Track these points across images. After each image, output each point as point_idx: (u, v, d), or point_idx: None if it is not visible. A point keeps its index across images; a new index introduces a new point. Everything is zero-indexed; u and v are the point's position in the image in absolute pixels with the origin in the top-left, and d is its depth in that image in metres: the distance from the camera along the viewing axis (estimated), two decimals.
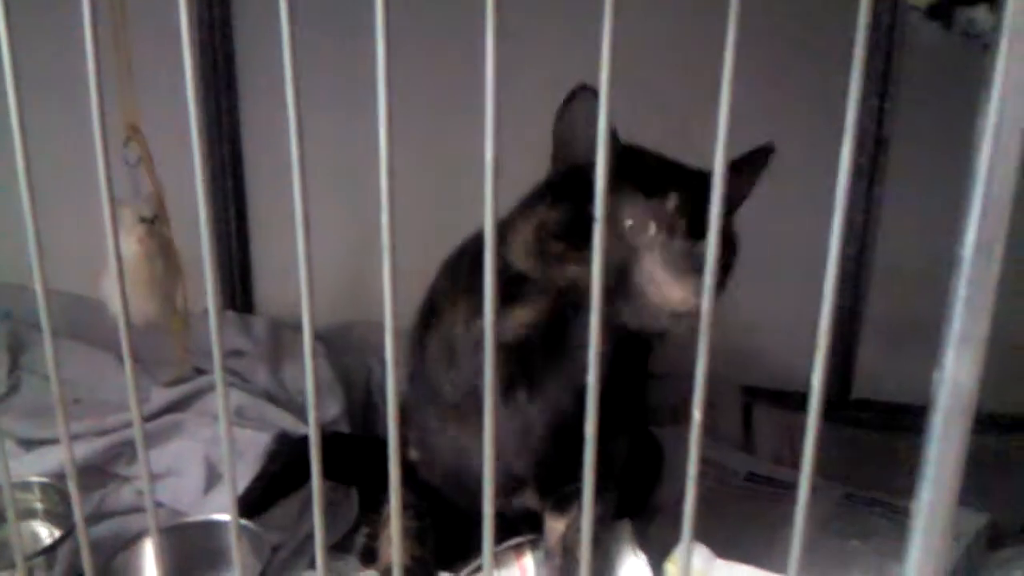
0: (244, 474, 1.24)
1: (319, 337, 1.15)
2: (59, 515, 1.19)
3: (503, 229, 0.91)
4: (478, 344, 0.92)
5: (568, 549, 1.03)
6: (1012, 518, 1.20)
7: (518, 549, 1.09)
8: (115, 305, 1.28)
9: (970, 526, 1.12)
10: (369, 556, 1.16)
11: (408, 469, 1.04)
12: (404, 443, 1.05)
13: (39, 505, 1.21)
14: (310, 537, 1.16)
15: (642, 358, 1.05)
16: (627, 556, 1.04)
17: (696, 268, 0.85)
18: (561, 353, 0.94)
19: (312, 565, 1.14)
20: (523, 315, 0.93)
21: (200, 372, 1.52)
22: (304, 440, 0.66)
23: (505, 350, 0.91)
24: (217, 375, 0.68)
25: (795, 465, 0.60)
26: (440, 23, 1.45)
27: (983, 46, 0.52)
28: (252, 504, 1.18)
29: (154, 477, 1.25)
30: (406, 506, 1.06)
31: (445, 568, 1.07)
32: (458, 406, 1.01)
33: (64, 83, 1.16)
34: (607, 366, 0.61)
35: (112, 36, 1.23)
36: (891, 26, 1.36)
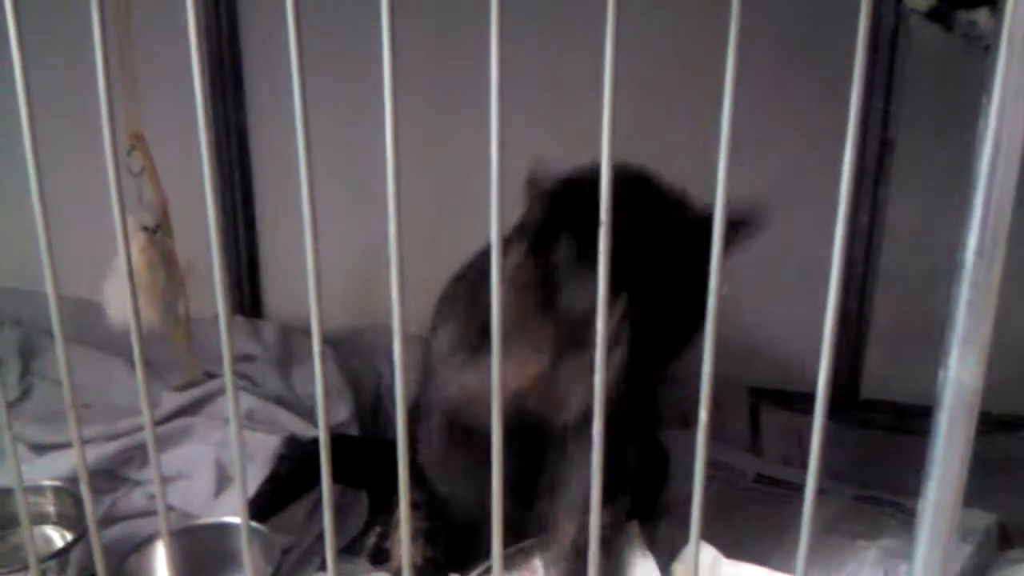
0: (254, 477, 1.25)
1: (328, 341, 1.15)
2: (71, 519, 1.20)
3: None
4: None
5: (579, 552, 1.04)
6: (1022, 519, 1.20)
7: (527, 551, 1.09)
8: (115, 310, 1.30)
9: (979, 526, 1.12)
10: (380, 557, 1.17)
11: (418, 470, 1.05)
12: (414, 445, 1.05)
13: (51, 509, 1.22)
14: (320, 539, 1.17)
15: (653, 368, 1.05)
16: (635, 558, 1.04)
17: None
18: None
19: (322, 567, 1.15)
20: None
21: (210, 376, 1.53)
22: (314, 443, 0.66)
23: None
24: (227, 379, 0.69)
25: (803, 466, 0.60)
26: (444, 28, 1.45)
27: (984, 48, 0.52)
28: (263, 507, 1.19)
29: (165, 480, 1.26)
30: (416, 506, 1.07)
31: (457, 569, 1.07)
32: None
33: (69, 92, 1.17)
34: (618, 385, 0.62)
35: (117, 45, 1.24)
36: (895, 28, 1.36)
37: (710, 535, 1.05)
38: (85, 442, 0.77)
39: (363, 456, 1.31)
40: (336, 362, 1.53)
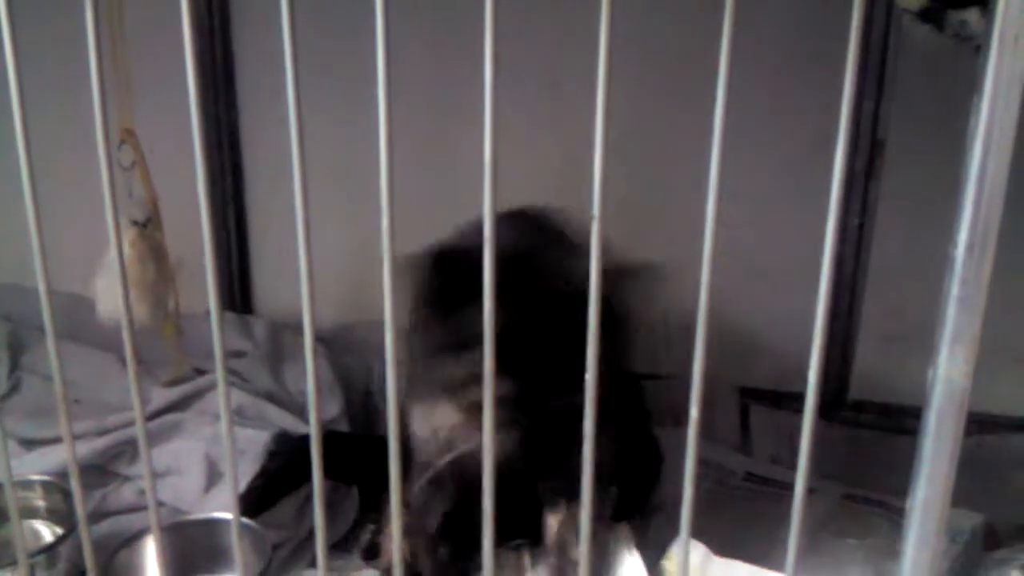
0: (245, 473, 1.25)
1: (319, 338, 1.15)
2: (60, 513, 1.20)
3: None
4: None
5: (562, 546, 1.04)
6: (1009, 518, 1.20)
7: (518, 548, 1.10)
8: (105, 305, 1.30)
9: (966, 526, 1.13)
10: (372, 552, 1.17)
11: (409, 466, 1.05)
12: (405, 441, 1.05)
13: (40, 504, 1.22)
14: (310, 535, 1.17)
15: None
16: (623, 554, 1.04)
17: None
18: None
19: (312, 563, 1.15)
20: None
21: (199, 372, 1.53)
22: (304, 439, 0.66)
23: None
24: (219, 375, 0.69)
25: (793, 466, 0.60)
26: (440, 27, 1.45)
27: (975, 48, 0.53)
28: (253, 502, 1.19)
29: (155, 476, 1.26)
30: (408, 503, 1.07)
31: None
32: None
33: (60, 87, 1.17)
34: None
35: (109, 41, 1.24)
36: (887, 29, 1.37)
37: (700, 533, 1.05)
38: (75, 437, 0.76)
39: (353, 452, 1.31)
40: (327, 358, 1.53)
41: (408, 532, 1.04)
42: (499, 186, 0.59)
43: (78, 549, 1.08)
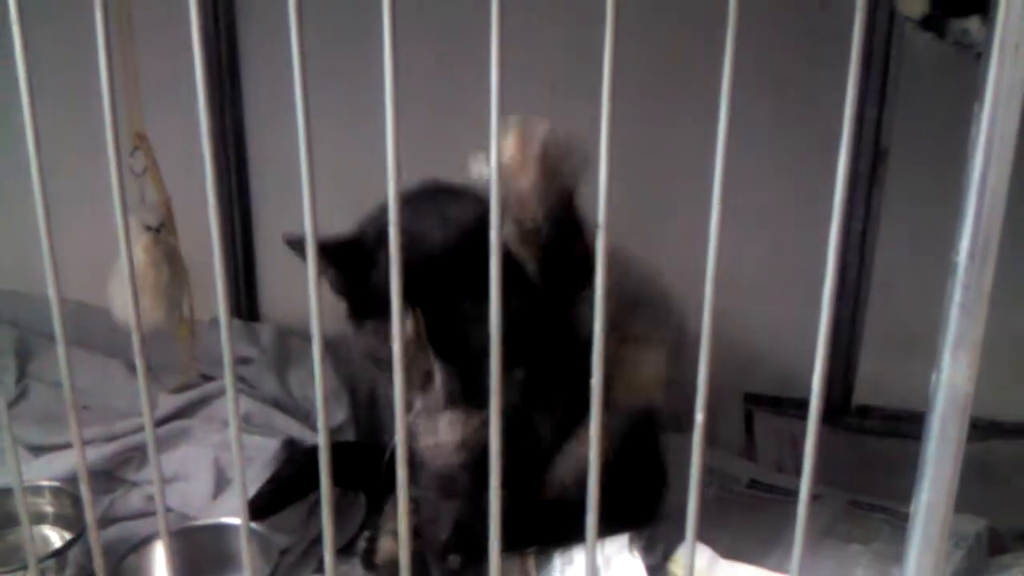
0: (253, 480, 1.25)
1: (324, 344, 1.16)
2: (69, 519, 1.21)
3: None
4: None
5: None
6: (1013, 524, 1.20)
7: (523, 554, 1.10)
8: (120, 311, 1.31)
9: (970, 531, 1.13)
10: (371, 560, 1.18)
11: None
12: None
13: (49, 509, 1.23)
14: (317, 541, 1.18)
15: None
16: (623, 555, 1.04)
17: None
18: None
19: (319, 568, 1.16)
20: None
21: (206, 379, 1.53)
22: (314, 449, 0.67)
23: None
24: (228, 381, 0.69)
25: (797, 473, 0.61)
26: (439, 29, 1.46)
27: (976, 56, 0.53)
28: (262, 507, 1.19)
29: (163, 482, 1.26)
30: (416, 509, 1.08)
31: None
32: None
33: (70, 93, 1.18)
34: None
35: (118, 45, 1.25)
36: (889, 37, 1.37)
37: (705, 539, 1.06)
38: (84, 443, 0.77)
39: (360, 460, 1.32)
40: (333, 365, 1.53)
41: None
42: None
43: (87, 554, 1.09)
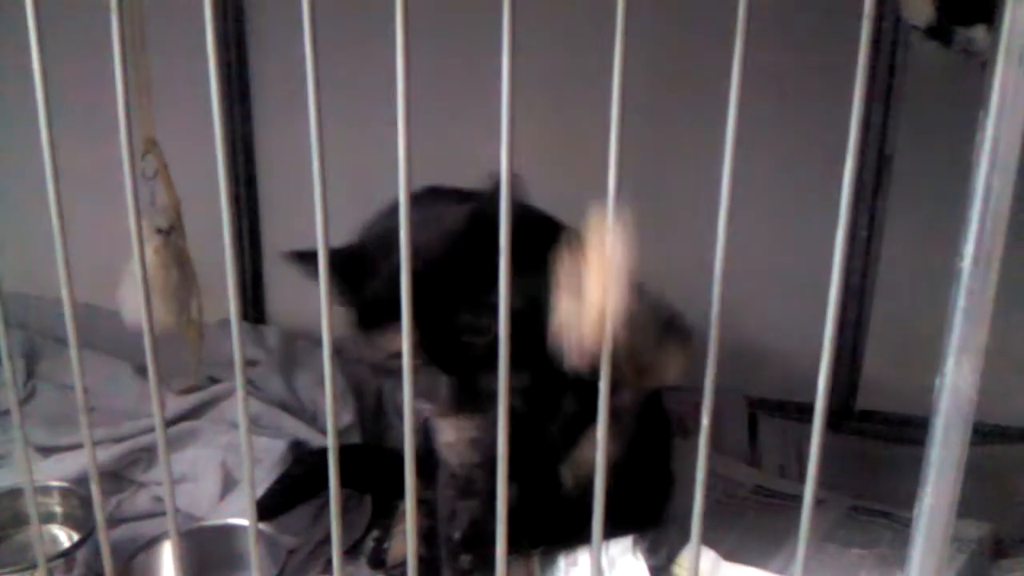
0: (260, 481, 1.26)
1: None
2: (77, 519, 1.22)
3: None
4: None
5: None
6: (1015, 529, 1.21)
7: (527, 555, 1.11)
8: (130, 313, 1.32)
9: (972, 535, 1.14)
10: (378, 560, 1.19)
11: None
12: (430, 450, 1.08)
13: (58, 509, 1.23)
14: (324, 542, 1.18)
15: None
16: (627, 557, 1.05)
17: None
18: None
19: (326, 569, 1.16)
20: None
21: (213, 381, 1.54)
22: (321, 451, 0.68)
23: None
24: (238, 383, 0.70)
25: (801, 478, 0.61)
26: (446, 35, 1.47)
27: (981, 64, 0.54)
28: (269, 508, 1.20)
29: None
30: (431, 509, 1.09)
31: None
32: None
33: (79, 99, 1.19)
34: None
35: (129, 49, 1.25)
36: (894, 45, 1.38)
37: (709, 542, 1.07)
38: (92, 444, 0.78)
39: (367, 463, 1.32)
40: (339, 368, 1.54)
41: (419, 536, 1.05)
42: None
43: (95, 554, 1.10)
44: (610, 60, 0.56)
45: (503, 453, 0.65)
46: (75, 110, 1.17)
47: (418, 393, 0.95)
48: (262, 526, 1.12)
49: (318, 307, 0.66)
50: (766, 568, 1.06)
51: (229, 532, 1.17)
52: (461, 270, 0.89)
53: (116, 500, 1.30)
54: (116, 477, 1.34)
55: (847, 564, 1.14)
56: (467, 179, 0.95)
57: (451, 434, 1.05)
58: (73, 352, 0.73)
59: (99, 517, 0.78)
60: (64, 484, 1.24)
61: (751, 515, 1.29)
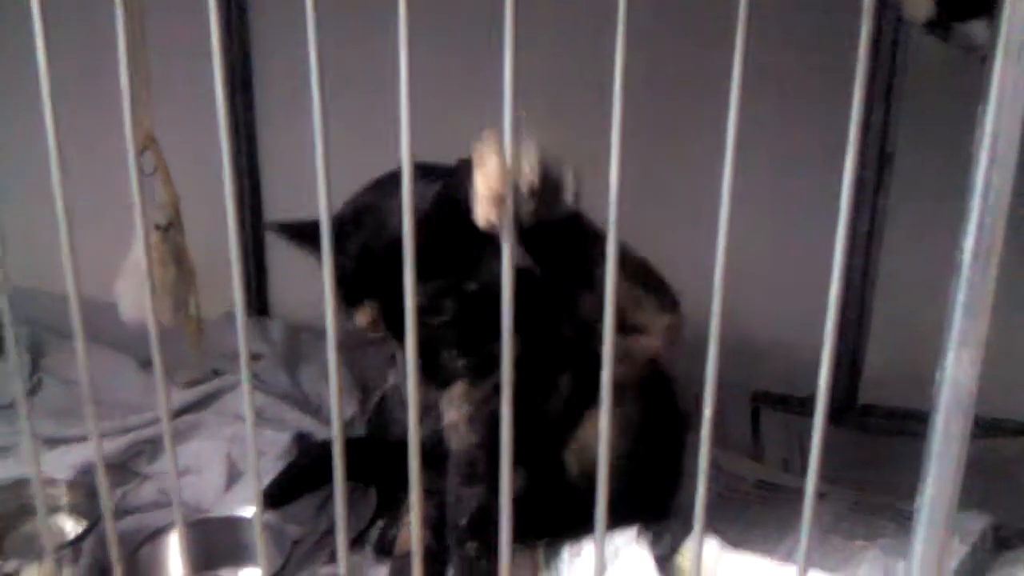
0: (265, 473, 1.27)
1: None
2: (83, 510, 1.22)
3: None
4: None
5: None
6: (1017, 521, 1.21)
7: (532, 546, 1.11)
8: (128, 309, 1.32)
9: (975, 528, 1.14)
10: (384, 548, 1.19)
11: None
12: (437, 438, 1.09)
13: (64, 500, 1.24)
14: (329, 532, 1.19)
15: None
16: (631, 547, 1.05)
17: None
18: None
19: (330, 560, 1.17)
20: None
21: (216, 374, 1.55)
22: (326, 443, 0.68)
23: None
24: (243, 376, 0.70)
25: (803, 471, 0.62)
26: (452, 30, 1.47)
27: (981, 59, 0.54)
28: (274, 498, 1.21)
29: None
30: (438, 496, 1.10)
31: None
32: None
33: (81, 93, 1.19)
34: None
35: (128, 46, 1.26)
36: (894, 41, 1.38)
37: (712, 532, 1.07)
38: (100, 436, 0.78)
39: (370, 455, 1.33)
40: (343, 361, 1.54)
41: (425, 524, 1.06)
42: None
43: (101, 544, 1.11)
44: (611, 57, 0.57)
45: (507, 438, 0.65)
46: (73, 105, 1.17)
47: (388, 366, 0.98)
48: (268, 516, 1.12)
49: (322, 300, 0.67)
50: (770, 559, 1.07)
51: (235, 523, 1.17)
52: (423, 252, 0.90)
53: (121, 492, 1.31)
54: (121, 469, 1.35)
55: (850, 555, 1.14)
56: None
57: (452, 414, 1.06)
58: (79, 344, 0.74)
59: (105, 505, 0.79)
60: (70, 476, 1.25)
61: (754, 508, 1.29)
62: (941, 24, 0.61)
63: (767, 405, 1.55)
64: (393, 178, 0.99)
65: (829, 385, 0.61)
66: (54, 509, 1.23)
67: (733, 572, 1.05)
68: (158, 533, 1.15)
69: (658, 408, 1.12)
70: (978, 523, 1.15)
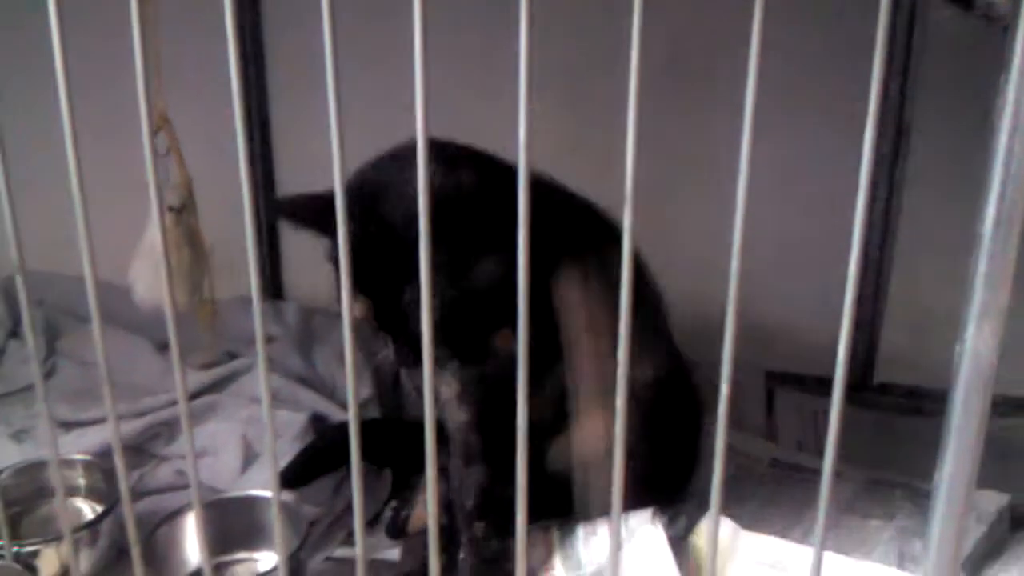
0: (282, 454, 1.28)
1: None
2: (100, 492, 1.23)
3: None
4: None
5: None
6: None
7: (546, 527, 1.11)
8: (142, 292, 1.32)
9: (992, 507, 1.14)
10: (397, 530, 1.20)
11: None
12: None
13: (82, 482, 1.25)
14: (346, 513, 1.20)
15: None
16: (646, 528, 1.05)
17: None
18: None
19: (346, 541, 1.18)
20: None
21: (231, 356, 1.55)
22: (342, 425, 0.68)
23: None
24: (260, 358, 0.70)
25: (818, 451, 0.61)
26: (462, 23, 1.46)
27: (1003, 29, 0.54)
28: (291, 479, 1.22)
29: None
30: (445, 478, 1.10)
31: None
32: None
33: (96, 74, 1.19)
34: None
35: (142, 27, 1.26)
36: (912, 12, 1.37)
37: (728, 514, 1.07)
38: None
39: (385, 436, 1.33)
40: (357, 343, 1.54)
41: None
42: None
43: (119, 526, 1.11)
44: (628, 32, 0.56)
45: (523, 425, 0.65)
46: (87, 87, 1.17)
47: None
48: (284, 497, 1.13)
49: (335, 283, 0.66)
50: (786, 539, 1.07)
51: (251, 503, 1.18)
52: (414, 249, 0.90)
53: (138, 474, 1.32)
54: (137, 451, 1.36)
55: (866, 535, 1.14)
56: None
57: (445, 392, 1.06)
58: (96, 326, 0.74)
59: (123, 487, 0.79)
60: (87, 457, 1.26)
61: (769, 488, 1.29)
62: None
63: (782, 385, 1.55)
64: (405, 158, 0.98)
65: (846, 363, 0.61)
66: (72, 491, 1.24)
67: (748, 552, 1.05)
68: (175, 515, 1.15)
69: (672, 392, 1.12)
70: (995, 503, 1.15)
